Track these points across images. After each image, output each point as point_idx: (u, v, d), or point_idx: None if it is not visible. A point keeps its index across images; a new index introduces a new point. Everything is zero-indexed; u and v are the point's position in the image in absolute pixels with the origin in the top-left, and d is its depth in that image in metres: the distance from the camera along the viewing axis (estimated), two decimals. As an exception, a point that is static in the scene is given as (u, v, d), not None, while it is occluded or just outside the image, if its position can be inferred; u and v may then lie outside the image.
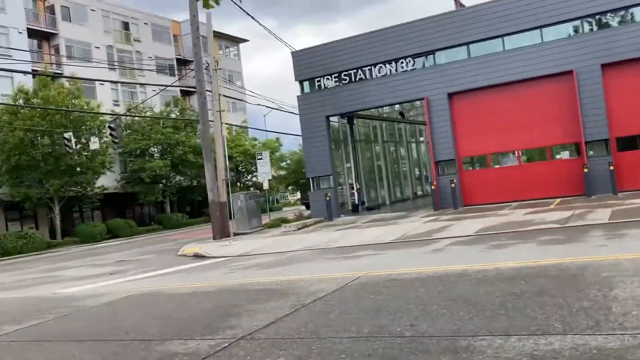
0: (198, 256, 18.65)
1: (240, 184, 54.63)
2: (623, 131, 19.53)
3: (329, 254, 14.05)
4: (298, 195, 77.32)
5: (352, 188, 27.23)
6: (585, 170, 19.15)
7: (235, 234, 24.39)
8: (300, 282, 9.36)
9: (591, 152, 19.74)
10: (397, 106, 30.47)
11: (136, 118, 44.43)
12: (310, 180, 25.09)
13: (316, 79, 24.57)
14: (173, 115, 46.87)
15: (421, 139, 37.32)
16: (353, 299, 7.22)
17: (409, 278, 8.28)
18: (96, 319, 8.25)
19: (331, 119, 25.44)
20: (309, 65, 24.63)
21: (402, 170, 33.21)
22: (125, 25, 50.85)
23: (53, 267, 19.87)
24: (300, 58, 24.94)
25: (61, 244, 36.04)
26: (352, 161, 27.02)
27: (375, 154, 30.27)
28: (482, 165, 22.47)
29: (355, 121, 26.99)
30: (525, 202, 20.20)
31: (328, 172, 24.46)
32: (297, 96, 25.15)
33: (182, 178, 47.75)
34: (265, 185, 28.76)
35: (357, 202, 26.32)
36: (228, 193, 25.28)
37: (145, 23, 52.57)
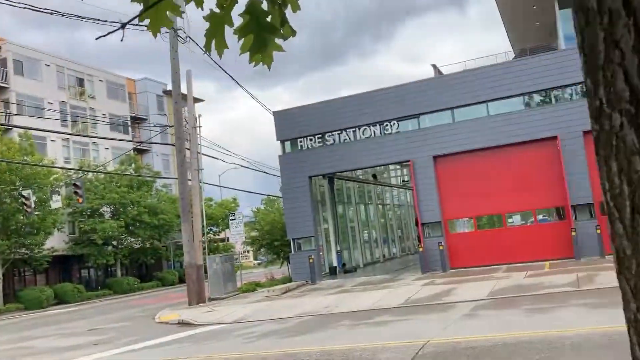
0: (184, 324, 17.37)
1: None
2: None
3: (343, 320, 13.30)
4: (251, 257, 75.40)
5: (320, 250, 26.61)
6: (574, 233, 19.46)
7: (211, 299, 23.10)
8: (355, 352, 8.65)
9: (577, 216, 20.15)
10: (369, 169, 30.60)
11: (89, 175, 42.55)
12: (292, 241, 24.35)
13: (299, 139, 24.31)
14: (127, 174, 45.26)
15: (387, 201, 37.45)
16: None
17: (488, 345, 7.76)
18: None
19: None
20: (290, 126, 24.39)
21: (373, 232, 32.96)
22: (80, 82, 49.54)
23: (18, 337, 17.93)
24: (282, 118, 24.70)
25: (3, 310, 33.05)
26: (331, 222, 26.54)
27: (349, 216, 29.97)
28: (468, 228, 22.52)
29: (335, 182, 26.74)
30: (514, 265, 20.21)
31: (310, 233, 23.83)
32: (279, 156, 24.72)
33: (133, 240, 45.63)
34: (238, 247, 27.76)
35: (337, 264, 25.67)
36: (204, 255, 24.11)
37: (100, 80, 51.43)
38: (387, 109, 22.97)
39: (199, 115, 24.09)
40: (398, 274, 23.02)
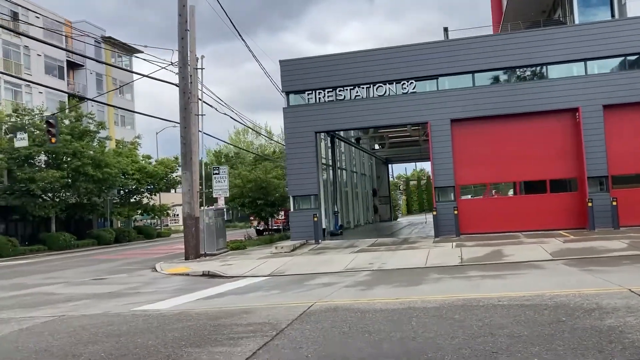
0: (212, 275, 15.88)
1: (128, 205, 49.88)
2: (619, 170, 20.66)
3: (430, 274, 12.48)
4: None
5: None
6: (590, 204, 19.81)
7: (206, 254, 21.50)
8: (559, 297, 7.93)
9: (591, 188, 20.53)
10: (352, 132, 29.80)
11: (26, 118, 38.50)
12: (292, 199, 23.12)
13: (307, 92, 22.98)
14: (67, 122, 41.35)
15: (356, 169, 36.88)
16: None
17: None
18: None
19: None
20: (299, 77, 22.98)
21: (356, 197, 32.28)
22: (15, 15, 44.49)
23: (20, 284, 15.55)
24: (290, 68, 23.21)
25: None
26: (331, 182, 25.50)
27: (338, 178, 29.08)
28: (480, 194, 22.41)
29: (335, 141, 25.68)
30: (528, 232, 20.33)
31: (314, 191, 22.72)
32: (284, 108, 23.25)
33: (68, 194, 41.92)
34: (221, 203, 26.07)
35: (336, 226, 24.77)
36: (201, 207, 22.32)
37: (37, 17, 46.42)
38: (405, 68, 22.20)
39: (202, 57, 22.03)
40: (403, 237, 22.56)
